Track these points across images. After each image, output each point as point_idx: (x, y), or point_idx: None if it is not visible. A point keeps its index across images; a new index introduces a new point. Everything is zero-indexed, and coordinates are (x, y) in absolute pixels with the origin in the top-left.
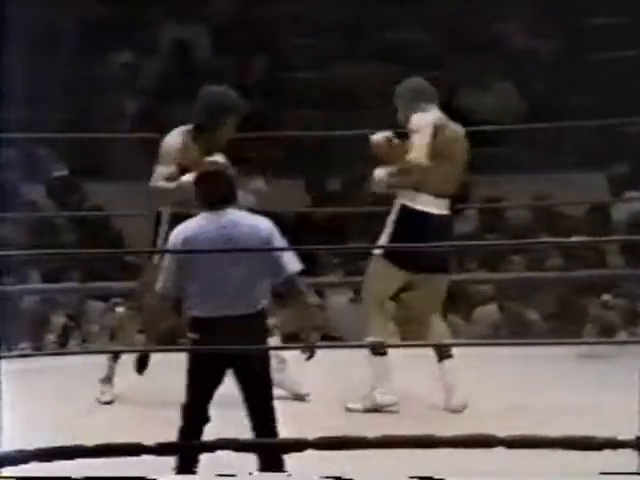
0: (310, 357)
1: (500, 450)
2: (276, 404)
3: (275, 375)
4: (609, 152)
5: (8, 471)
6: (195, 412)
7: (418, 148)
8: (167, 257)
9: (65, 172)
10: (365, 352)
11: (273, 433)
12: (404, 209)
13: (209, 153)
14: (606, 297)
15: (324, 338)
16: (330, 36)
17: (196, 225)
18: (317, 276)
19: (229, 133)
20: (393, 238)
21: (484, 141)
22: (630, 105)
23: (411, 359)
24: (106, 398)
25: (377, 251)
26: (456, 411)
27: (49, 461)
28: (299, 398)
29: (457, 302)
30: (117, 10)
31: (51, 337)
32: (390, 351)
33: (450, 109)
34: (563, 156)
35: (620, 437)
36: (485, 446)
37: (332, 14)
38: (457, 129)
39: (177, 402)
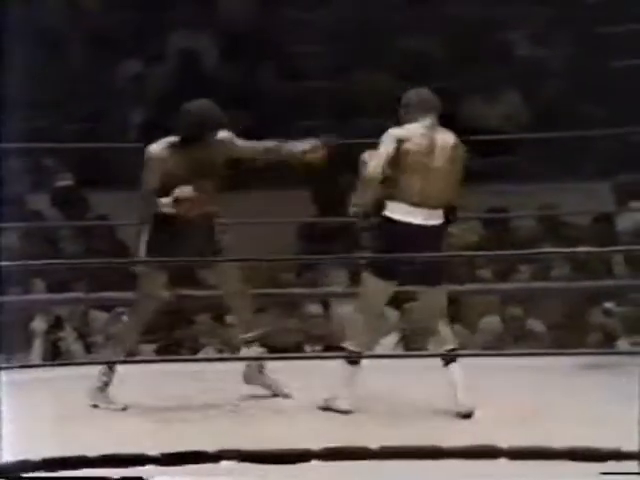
0: None
1: None
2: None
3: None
4: (615, 161)
5: None
6: None
7: (370, 164)
8: None
9: (70, 182)
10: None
11: None
12: (384, 219)
13: (195, 166)
14: (608, 305)
15: (329, 348)
16: (339, 44)
17: None
18: (322, 286)
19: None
20: (375, 249)
21: (490, 151)
22: (638, 114)
23: (419, 369)
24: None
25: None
26: (465, 414)
27: (52, 471)
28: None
29: (463, 312)
30: (125, 19)
31: (36, 347)
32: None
33: (455, 118)
34: (569, 165)
35: (624, 448)
36: (488, 457)
37: (341, 23)
38: (440, 139)
39: (177, 412)
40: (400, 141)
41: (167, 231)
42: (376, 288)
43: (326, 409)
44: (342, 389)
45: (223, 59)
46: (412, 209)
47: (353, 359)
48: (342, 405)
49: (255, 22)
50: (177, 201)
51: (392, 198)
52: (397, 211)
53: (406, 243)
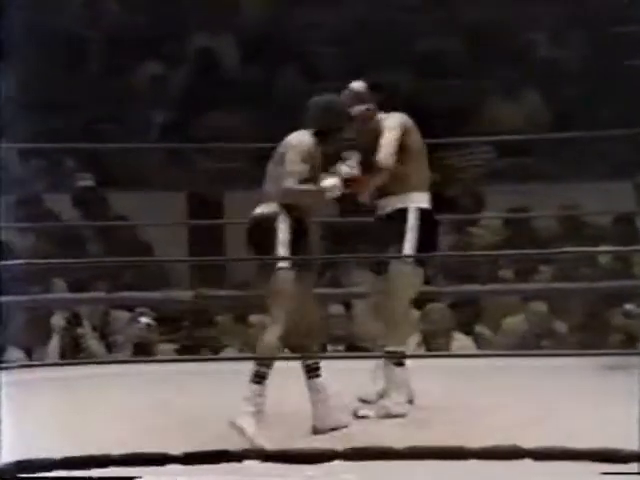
0: None
1: None
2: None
3: None
4: (637, 161)
5: None
6: None
7: (386, 152)
8: None
9: (91, 182)
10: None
11: None
12: (418, 211)
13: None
14: (628, 306)
15: (350, 348)
16: (358, 45)
17: None
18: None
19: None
20: (418, 241)
21: (511, 151)
22: None
23: (439, 369)
24: None
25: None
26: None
27: (72, 470)
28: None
29: (486, 313)
30: (145, 20)
31: (54, 341)
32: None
33: (476, 119)
34: (590, 165)
35: None
36: (512, 458)
37: (360, 23)
38: None
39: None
40: (407, 130)
41: (295, 228)
42: (415, 278)
43: (386, 417)
44: (395, 393)
45: (241, 60)
46: (428, 196)
47: (398, 361)
48: (400, 409)
49: (273, 24)
50: (354, 180)
51: (410, 186)
52: (425, 200)
53: (436, 229)
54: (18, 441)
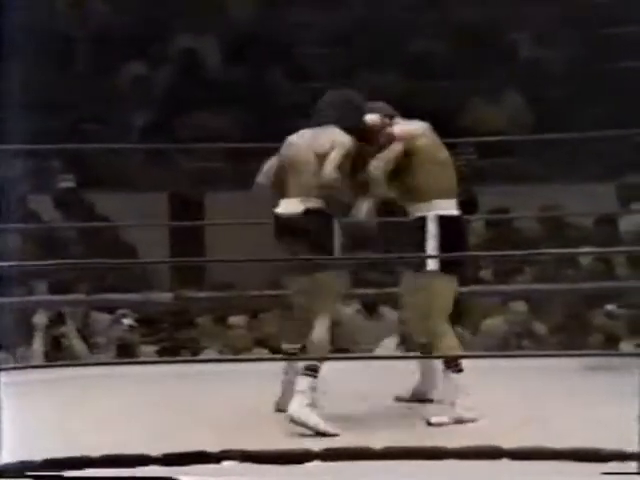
0: None
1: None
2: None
3: None
4: (619, 163)
5: None
6: None
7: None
8: None
9: (72, 183)
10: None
11: None
12: (437, 219)
13: None
14: (610, 307)
15: (337, 351)
16: (344, 46)
17: None
18: None
19: None
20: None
21: (493, 152)
22: None
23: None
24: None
25: (432, 267)
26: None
27: (55, 471)
28: None
29: (465, 314)
30: (129, 21)
31: (37, 340)
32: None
33: (459, 119)
34: (573, 166)
35: (625, 449)
36: (491, 457)
37: (346, 24)
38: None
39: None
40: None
41: None
42: (448, 286)
43: (458, 422)
44: (465, 398)
45: (227, 61)
46: (450, 202)
47: (458, 368)
48: (471, 415)
49: (259, 24)
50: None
51: (426, 195)
52: (444, 206)
53: (459, 234)
54: (12, 442)
